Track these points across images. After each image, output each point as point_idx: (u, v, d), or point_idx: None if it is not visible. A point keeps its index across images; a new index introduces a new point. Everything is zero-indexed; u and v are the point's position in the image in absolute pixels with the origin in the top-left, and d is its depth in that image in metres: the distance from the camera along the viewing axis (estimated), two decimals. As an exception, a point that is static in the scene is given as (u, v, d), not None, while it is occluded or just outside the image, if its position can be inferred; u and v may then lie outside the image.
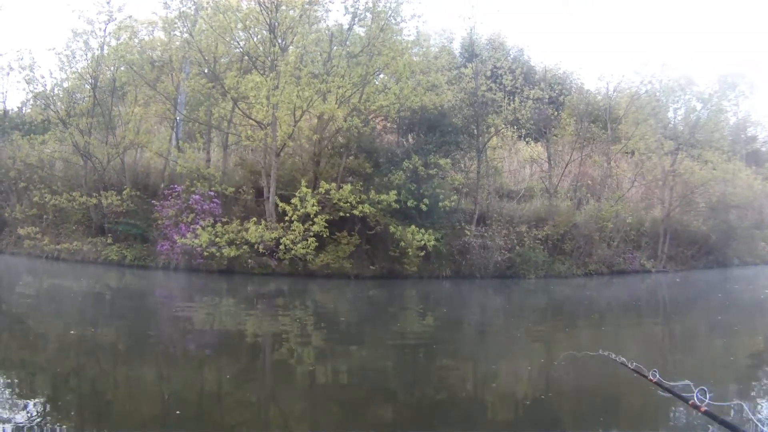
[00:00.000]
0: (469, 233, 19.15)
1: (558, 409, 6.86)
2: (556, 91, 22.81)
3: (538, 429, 6.19)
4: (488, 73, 21.09)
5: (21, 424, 5.06)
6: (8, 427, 4.97)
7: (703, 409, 2.81)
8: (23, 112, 27.25)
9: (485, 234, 19.41)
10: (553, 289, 18.53)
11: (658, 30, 63.23)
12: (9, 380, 6.81)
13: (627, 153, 24.69)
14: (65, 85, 20.33)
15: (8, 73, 22.50)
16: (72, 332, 9.50)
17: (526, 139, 23.91)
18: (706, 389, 2.84)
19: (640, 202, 24.28)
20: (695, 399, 2.86)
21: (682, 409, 6.20)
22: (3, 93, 26.34)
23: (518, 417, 6.61)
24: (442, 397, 7.20)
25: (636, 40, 59.61)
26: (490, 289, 18.38)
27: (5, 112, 26.85)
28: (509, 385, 8.00)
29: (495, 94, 20.64)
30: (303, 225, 16.77)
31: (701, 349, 10.85)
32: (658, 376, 3.32)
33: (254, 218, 17.13)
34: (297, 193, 16.98)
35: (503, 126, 21.01)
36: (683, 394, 3.01)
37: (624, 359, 3.79)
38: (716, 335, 12.05)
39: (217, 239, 16.80)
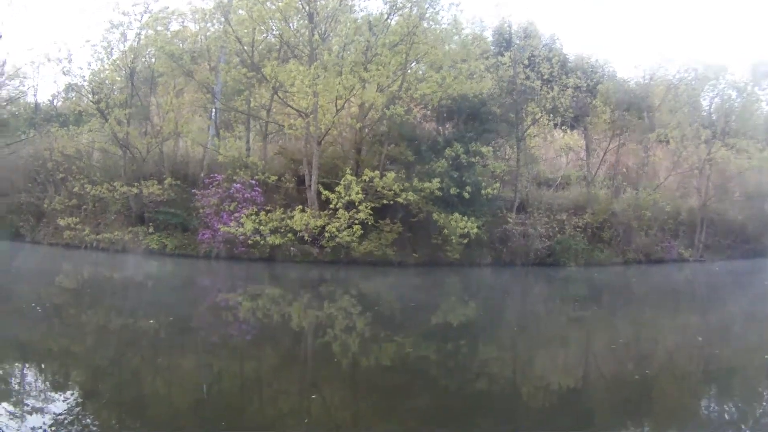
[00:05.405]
0: (511, 221, 19.03)
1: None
2: (594, 80, 22.58)
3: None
4: (525, 62, 20.94)
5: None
6: None
7: None
8: (55, 104, 27.58)
9: (526, 222, 19.29)
10: (597, 276, 18.42)
11: (689, 18, 62.31)
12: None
13: (662, 141, 24.38)
14: (102, 75, 20.36)
15: (39, 67, 22.69)
16: (151, 322, 9.53)
17: (563, 128, 23.72)
18: None
19: (675, 190, 23.99)
20: None
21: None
22: (34, 86, 26.44)
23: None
24: (482, 387, 7.14)
25: (667, 28, 58.77)
26: (533, 277, 18.27)
27: (37, 105, 27.10)
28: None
29: (533, 83, 20.49)
30: (348, 212, 16.73)
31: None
32: None
33: (300, 206, 17.11)
34: (342, 181, 16.94)
35: (541, 114, 20.85)
36: None
37: None
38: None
39: (261, 227, 16.81)
